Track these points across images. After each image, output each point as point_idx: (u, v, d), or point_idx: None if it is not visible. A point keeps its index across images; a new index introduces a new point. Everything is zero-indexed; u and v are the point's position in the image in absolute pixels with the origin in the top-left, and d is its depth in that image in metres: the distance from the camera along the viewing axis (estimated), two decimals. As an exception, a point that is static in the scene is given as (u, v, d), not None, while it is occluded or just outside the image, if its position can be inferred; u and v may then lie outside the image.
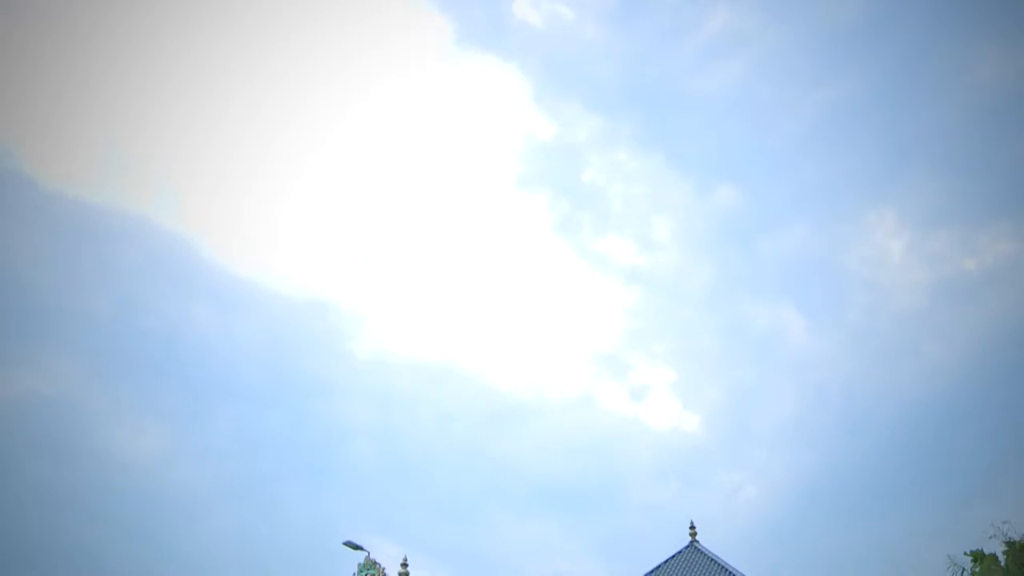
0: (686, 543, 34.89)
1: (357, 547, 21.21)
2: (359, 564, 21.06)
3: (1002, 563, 13.66)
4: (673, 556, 34.41)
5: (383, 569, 20.85)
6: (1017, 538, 13.48)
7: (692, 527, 35.07)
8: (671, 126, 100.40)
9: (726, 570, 31.70)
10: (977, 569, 13.66)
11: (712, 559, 32.92)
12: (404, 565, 22.06)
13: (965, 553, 13.77)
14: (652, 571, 34.18)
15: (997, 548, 13.81)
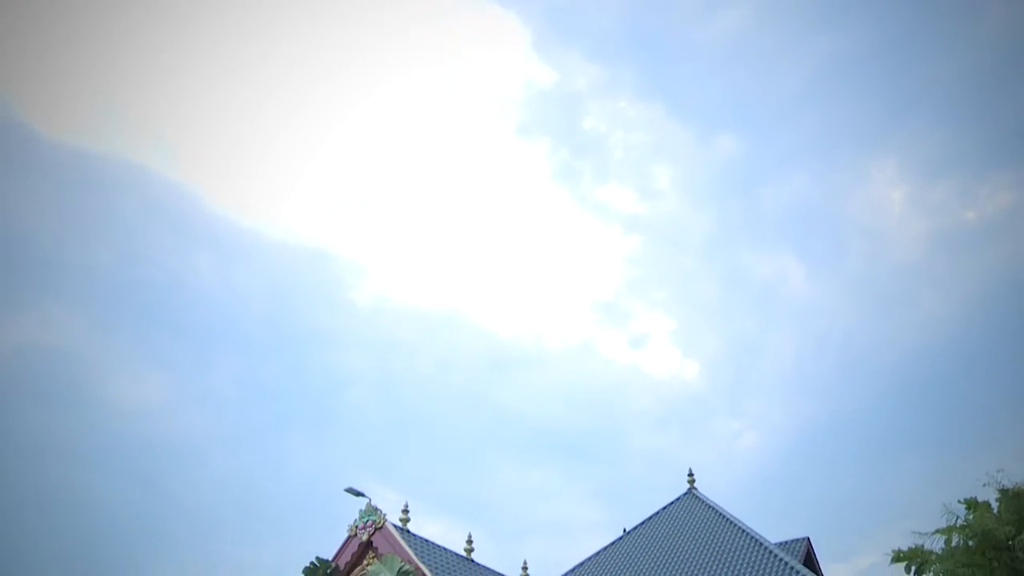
0: (684, 490, 35.16)
1: (358, 494, 21.43)
2: (360, 511, 21.31)
3: (995, 511, 13.85)
4: (671, 503, 34.71)
5: (384, 515, 21.09)
6: (1011, 486, 13.64)
7: (690, 474, 35.29)
8: (672, 75, 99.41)
9: (724, 517, 32.00)
10: (971, 516, 13.85)
11: (710, 506, 33.22)
12: (405, 511, 22.30)
13: (959, 501, 13.96)
14: (650, 517, 34.48)
15: (991, 496, 14.00)
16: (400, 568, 19.76)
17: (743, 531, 30.14)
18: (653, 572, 30.19)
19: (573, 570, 32.92)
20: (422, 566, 19.79)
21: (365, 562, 20.98)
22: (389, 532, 20.79)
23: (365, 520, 21.11)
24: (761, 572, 27.06)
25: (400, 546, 20.40)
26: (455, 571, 21.91)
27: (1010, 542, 13.03)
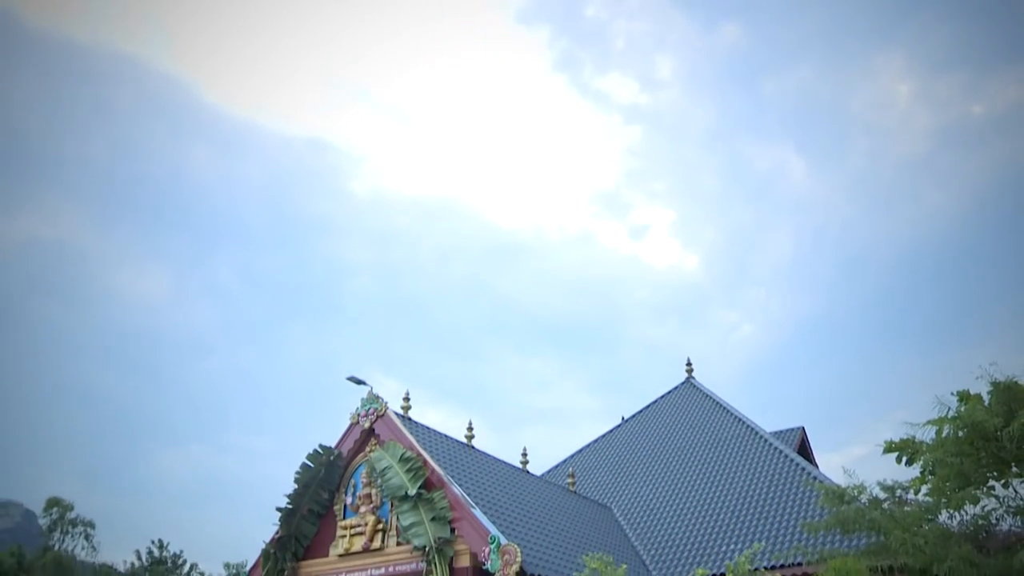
0: (682, 379, 35.57)
1: (360, 382, 21.70)
2: (362, 399, 21.62)
3: (987, 403, 14.04)
4: (669, 392, 35.17)
5: (386, 404, 21.40)
6: (1003, 379, 13.79)
7: (688, 364, 35.65)
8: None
9: (721, 406, 32.46)
10: (963, 408, 14.03)
11: (707, 395, 33.67)
12: (406, 400, 22.61)
13: (952, 393, 14.12)
14: (647, 407, 34.98)
15: (984, 389, 14.15)
16: (402, 454, 20.12)
17: (739, 420, 30.64)
18: (651, 460, 30.80)
19: (572, 457, 33.65)
20: (423, 452, 20.16)
21: (368, 449, 21.34)
22: (391, 420, 21.09)
23: (367, 408, 21.38)
24: (756, 460, 27.60)
25: (401, 433, 20.71)
26: (456, 457, 22.35)
27: (998, 433, 13.24)
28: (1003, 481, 14.20)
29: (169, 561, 55.45)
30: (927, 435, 14.38)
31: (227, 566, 55.45)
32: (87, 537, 57.80)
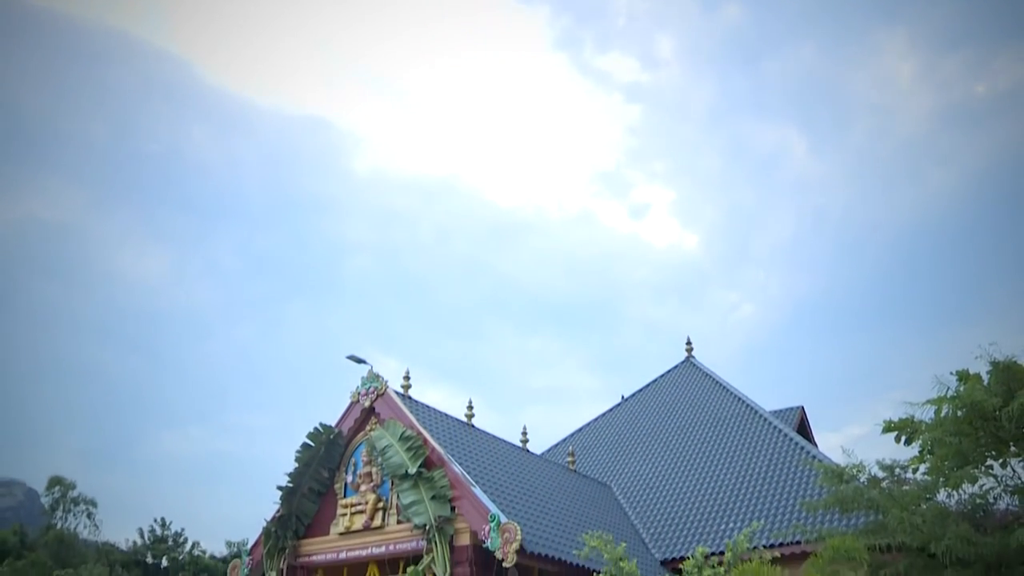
0: (682, 358, 35.59)
1: (360, 361, 21.70)
2: (362, 378, 21.64)
3: (986, 383, 14.04)
4: (668, 371, 35.19)
5: (386, 382, 21.42)
6: (1002, 358, 13.78)
7: (688, 343, 35.68)
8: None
9: (720, 385, 32.49)
10: (962, 387, 14.03)
11: (707, 374, 33.69)
12: (406, 379, 22.62)
13: (951, 373, 14.12)
14: (647, 386, 35.01)
15: (983, 369, 14.15)
16: (402, 433, 20.11)
17: (739, 399, 30.68)
18: (650, 438, 30.87)
19: (572, 436, 33.75)
20: (423, 431, 20.18)
21: (368, 428, 21.32)
22: (391, 399, 21.05)
23: (367, 387, 21.33)
24: (756, 439, 27.65)
25: (402, 412, 20.68)
26: (456, 436, 22.41)
27: (996, 412, 13.25)
28: (1001, 460, 14.24)
29: (171, 540, 55.79)
30: (926, 415, 14.40)
31: (229, 544, 55.88)
32: (89, 515, 58.13)
